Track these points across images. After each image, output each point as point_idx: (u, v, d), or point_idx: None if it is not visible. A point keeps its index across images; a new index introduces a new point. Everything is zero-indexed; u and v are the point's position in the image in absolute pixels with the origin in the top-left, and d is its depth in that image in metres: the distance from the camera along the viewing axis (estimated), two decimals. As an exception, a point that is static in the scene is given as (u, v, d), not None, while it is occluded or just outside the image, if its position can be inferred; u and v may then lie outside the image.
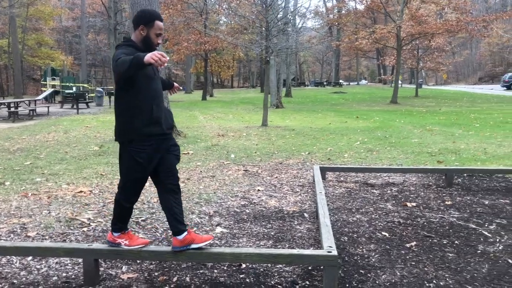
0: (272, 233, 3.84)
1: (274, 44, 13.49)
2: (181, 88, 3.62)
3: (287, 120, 16.36)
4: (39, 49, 43.94)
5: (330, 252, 2.75)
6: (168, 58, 2.52)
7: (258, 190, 5.35)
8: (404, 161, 7.26)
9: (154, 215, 4.34)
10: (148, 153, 2.80)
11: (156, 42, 2.88)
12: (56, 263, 3.24)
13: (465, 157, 7.54)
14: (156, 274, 3.05)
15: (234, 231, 3.89)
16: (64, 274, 3.06)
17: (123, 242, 2.94)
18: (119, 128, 2.85)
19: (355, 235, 3.82)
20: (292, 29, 17.77)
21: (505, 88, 40.97)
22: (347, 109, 23.66)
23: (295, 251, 2.83)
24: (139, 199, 4.93)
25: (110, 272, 3.09)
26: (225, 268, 3.13)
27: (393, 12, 32.71)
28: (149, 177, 2.94)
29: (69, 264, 3.21)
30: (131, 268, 3.15)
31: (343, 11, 43.34)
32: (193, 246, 2.85)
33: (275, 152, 8.48)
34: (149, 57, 2.39)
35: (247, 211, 4.50)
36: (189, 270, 3.11)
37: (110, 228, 3.03)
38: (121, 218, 2.99)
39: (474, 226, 4.04)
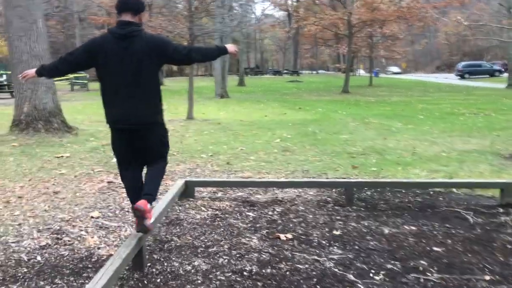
0: (36, 306, 2.47)
1: (199, 27, 12.02)
2: None
3: (222, 112, 14.97)
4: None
5: None
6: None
7: (92, 217, 3.94)
8: (315, 165, 6.03)
9: None
10: None
11: None
12: None
13: (388, 159, 6.40)
14: None
15: (-23, 303, 2.50)
16: None
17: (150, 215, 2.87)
18: (159, 109, 2.95)
19: (166, 304, 2.50)
20: (226, 12, 16.31)
21: (458, 77, 41.08)
22: (295, 99, 22.48)
23: None
24: None
25: None
26: None
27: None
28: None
29: None
30: None
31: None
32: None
33: (174, 154, 7.09)
34: (233, 48, 3.00)
35: (39, 258, 3.08)
36: None
37: (149, 197, 2.87)
38: None
39: (352, 278, 2.80)
